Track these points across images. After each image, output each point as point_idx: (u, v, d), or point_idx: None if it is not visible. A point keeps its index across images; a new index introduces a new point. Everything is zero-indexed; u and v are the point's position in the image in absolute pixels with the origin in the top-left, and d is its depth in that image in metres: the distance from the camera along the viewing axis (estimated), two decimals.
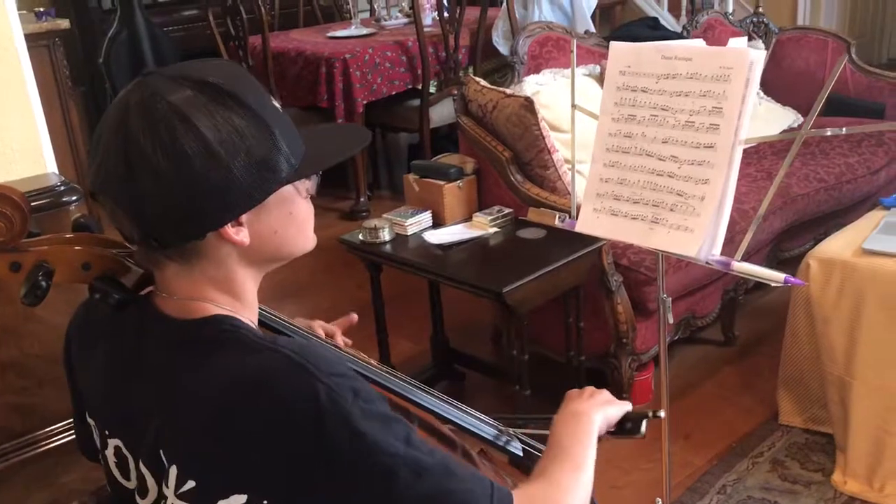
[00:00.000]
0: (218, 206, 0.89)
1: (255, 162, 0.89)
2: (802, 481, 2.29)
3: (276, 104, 0.96)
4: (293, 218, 0.97)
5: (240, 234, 0.92)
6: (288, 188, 0.94)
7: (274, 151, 0.91)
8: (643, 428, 1.21)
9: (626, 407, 1.22)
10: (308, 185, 0.99)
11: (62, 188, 1.54)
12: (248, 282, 0.98)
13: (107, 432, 1.01)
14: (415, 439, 0.89)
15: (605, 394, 1.22)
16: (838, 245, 2.32)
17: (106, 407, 1.02)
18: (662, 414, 1.24)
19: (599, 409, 1.17)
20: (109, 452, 1.01)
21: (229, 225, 0.91)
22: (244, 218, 0.92)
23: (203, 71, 0.91)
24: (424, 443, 0.90)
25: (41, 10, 4.07)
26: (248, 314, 0.98)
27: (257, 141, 0.89)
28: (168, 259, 0.93)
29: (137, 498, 0.98)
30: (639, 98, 1.48)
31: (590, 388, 1.23)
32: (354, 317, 1.34)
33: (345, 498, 0.86)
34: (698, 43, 1.52)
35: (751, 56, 1.36)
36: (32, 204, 1.33)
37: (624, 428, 1.22)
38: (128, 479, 1.00)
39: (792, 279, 1.32)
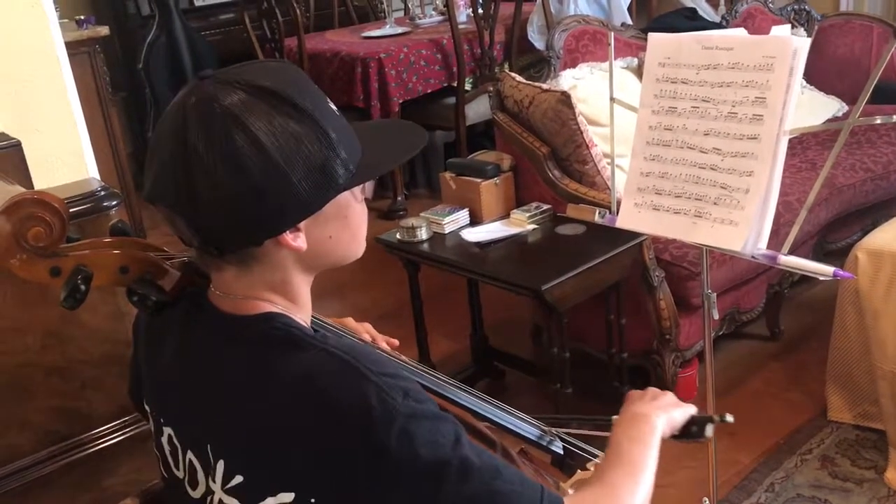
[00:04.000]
0: (276, 213, 0.88)
1: (313, 169, 0.88)
2: (854, 479, 2.23)
3: (334, 107, 0.94)
4: (348, 223, 0.96)
5: (297, 239, 0.91)
6: (345, 194, 0.93)
7: (332, 158, 0.89)
8: (708, 432, 1.17)
9: (690, 410, 1.18)
10: (364, 189, 0.98)
11: (103, 193, 1.55)
12: (303, 285, 0.98)
13: (161, 420, 1.03)
14: (464, 440, 0.88)
15: (670, 396, 1.18)
16: (887, 236, 2.25)
17: (161, 396, 1.03)
18: (730, 418, 1.20)
19: (663, 413, 1.13)
20: (164, 440, 1.02)
21: (287, 231, 0.90)
22: (302, 224, 0.91)
23: (259, 75, 0.90)
24: (473, 444, 0.89)
25: (81, 18, 4.13)
26: (302, 315, 0.99)
27: (315, 147, 0.88)
28: (226, 263, 0.94)
29: (188, 489, 0.99)
30: (679, 90, 1.45)
31: (653, 390, 1.19)
32: (395, 342, 1.32)
33: (391, 497, 0.85)
34: (739, 32, 1.48)
35: (794, 44, 1.33)
36: (74, 209, 1.35)
37: (689, 431, 1.18)
38: (178, 468, 1.01)
39: (841, 272, 1.29)
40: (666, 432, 1.13)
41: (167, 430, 1.02)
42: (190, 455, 0.97)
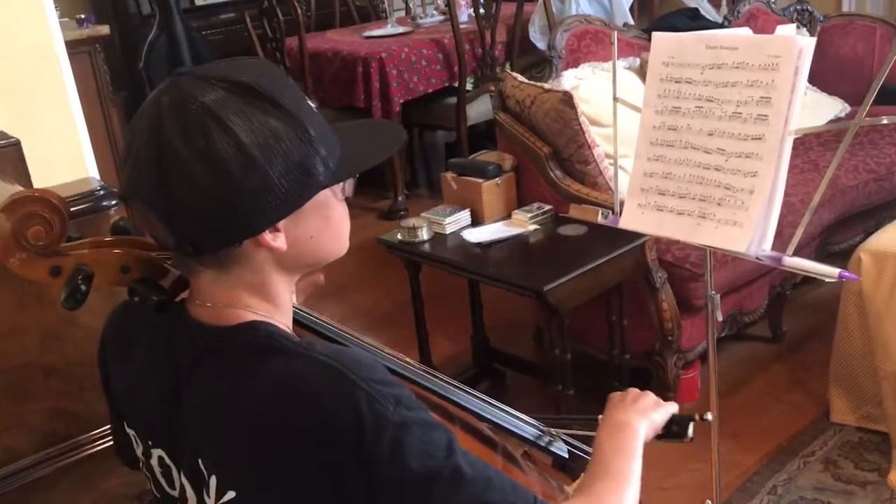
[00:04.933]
0: (255, 212, 0.86)
1: (292, 166, 0.86)
2: (857, 481, 2.22)
3: (312, 105, 0.93)
4: (329, 222, 0.94)
5: (277, 239, 0.89)
6: (325, 192, 0.91)
7: (312, 155, 0.88)
8: (690, 431, 1.18)
9: (671, 409, 1.18)
10: (345, 187, 0.95)
11: (102, 193, 1.54)
12: (283, 287, 0.95)
13: (150, 443, 1.00)
14: (456, 448, 0.86)
15: (650, 397, 1.18)
16: (891, 237, 2.25)
17: (146, 417, 1.00)
18: (710, 416, 1.21)
19: (644, 417, 1.13)
20: (154, 462, 1.00)
21: (266, 231, 0.88)
22: (281, 224, 0.89)
23: (236, 71, 0.88)
24: (467, 453, 0.87)
25: (82, 16, 4.13)
26: (284, 319, 0.96)
27: (294, 144, 0.86)
28: (203, 266, 0.91)
29: None
30: (683, 89, 1.44)
31: (633, 392, 1.18)
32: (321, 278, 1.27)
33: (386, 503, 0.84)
34: (744, 31, 1.47)
35: (800, 43, 1.32)
36: (73, 209, 1.33)
37: (670, 431, 1.18)
38: (173, 488, 0.99)
39: (847, 274, 1.27)
40: (648, 435, 1.13)
41: (157, 452, 0.99)
42: (182, 472, 0.95)
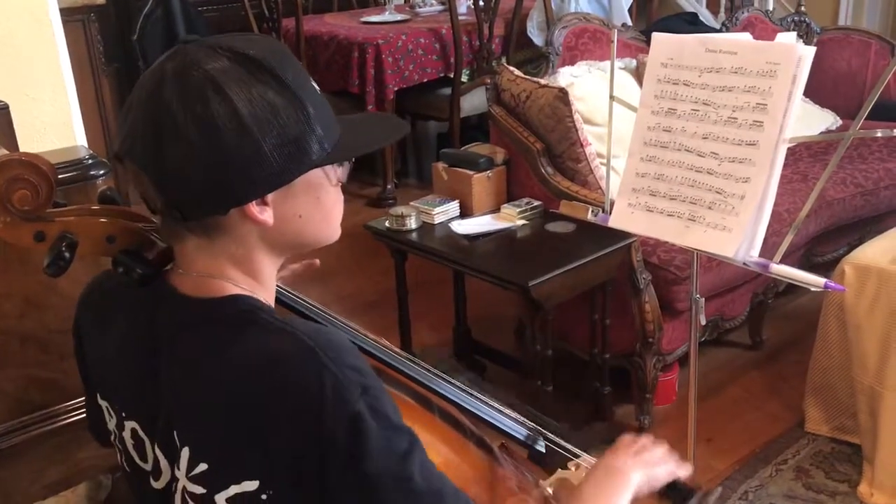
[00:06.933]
0: (244, 182, 0.87)
1: (286, 141, 0.87)
2: (827, 491, 2.24)
3: (315, 86, 0.93)
4: (320, 204, 0.94)
5: (264, 213, 0.90)
6: (318, 173, 0.92)
7: (307, 132, 0.88)
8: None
9: (678, 473, 1.14)
10: (339, 172, 0.95)
11: (90, 161, 1.53)
12: (267, 263, 0.95)
13: (123, 414, 0.99)
14: (415, 457, 0.85)
15: (659, 450, 1.13)
16: (875, 252, 2.26)
17: (122, 388, 0.99)
18: (715, 495, 1.18)
19: (643, 470, 1.09)
20: (126, 435, 0.99)
21: (254, 203, 0.89)
22: (270, 198, 0.89)
23: (243, 43, 0.89)
24: (425, 463, 0.87)
25: None
26: (266, 295, 0.96)
27: (291, 120, 0.87)
28: (189, 232, 0.91)
29: (152, 480, 0.96)
30: (680, 91, 1.44)
31: (643, 441, 1.13)
32: (316, 262, 1.28)
33: (335, 495, 0.84)
34: (744, 37, 1.47)
35: (799, 52, 1.32)
36: (60, 176, 1.32)
37: (668, 495, 1.14)
38: (145, 461, 0.98)
39: (832, 284, 1.28)
40: (643, 488, 1.09)
41: (130, 424, 0.98)
42: (157, 444, 0.94)
